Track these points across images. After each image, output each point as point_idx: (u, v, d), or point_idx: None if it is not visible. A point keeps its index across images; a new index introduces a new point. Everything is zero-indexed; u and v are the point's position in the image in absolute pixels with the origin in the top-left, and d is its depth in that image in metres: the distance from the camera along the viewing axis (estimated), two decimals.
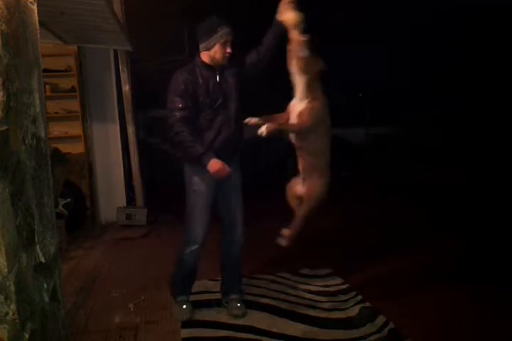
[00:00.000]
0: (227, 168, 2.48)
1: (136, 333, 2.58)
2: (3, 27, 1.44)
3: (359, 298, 2.91)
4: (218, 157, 2.48)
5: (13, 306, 1.36)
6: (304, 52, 2.43)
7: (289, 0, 2.44)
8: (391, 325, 2.52)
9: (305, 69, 2.45)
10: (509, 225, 4.25)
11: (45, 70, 4.32)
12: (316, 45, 2.47)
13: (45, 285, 1.71)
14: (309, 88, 2.49)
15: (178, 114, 2.47)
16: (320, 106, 2.53)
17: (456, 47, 8.01)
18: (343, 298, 2.96)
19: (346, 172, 7.87)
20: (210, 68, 2.58)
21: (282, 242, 2.72)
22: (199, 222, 2.65)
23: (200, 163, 2.48)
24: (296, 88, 2.53)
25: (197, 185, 2.63)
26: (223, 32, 2.50)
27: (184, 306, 2.78)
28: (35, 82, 1.80)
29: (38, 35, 1.91)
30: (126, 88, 5.14)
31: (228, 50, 2.54)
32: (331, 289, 3.11)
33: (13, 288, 1.36)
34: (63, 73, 5.04)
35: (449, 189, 6.24)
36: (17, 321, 1.38)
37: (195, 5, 6.28)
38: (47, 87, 4.80)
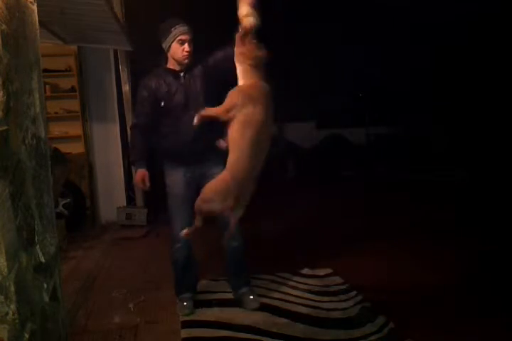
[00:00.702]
0: (147, 184, 2.67)
1: (136, 333, 2.58)
2: (3, 27, 1.44)
3: (359, 298, 2.91)
4: (191, 160, 2.65)
5: (13, 306, 1.36)
6: (246, 40, 2.26)
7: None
8: (391, 325, 2.51)
9: (244, 56, 2.27)
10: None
11: (45, 70, 4.33)
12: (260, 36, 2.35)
13: (45, 285, 1.71)
14: (245, 75, 2.25)
15: (135, 121, 2.70)
16: (246, 89, 2.22)
17: (459, 46, 8.00)
18: (343, 298, 2.96)
19: (347, 172, 7.88)
20: (174, 71, 2.63)
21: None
22: (178, 221, 2.73)
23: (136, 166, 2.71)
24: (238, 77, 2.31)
25: (169, 187, 2.76)
26: (177, 31, 2.52)
27: (185, 303, 2.81)
28: (35, 82, 1.80)
29: (38, 35, 1.91)
30: (126, 88, 5.14)
31: (186, 48, 2.54)
32: (331, 289, 3.11)
33: (13, 288, 1.36)
34: (63, 73, 5.05)
35: (451, 189, 6.24)
36: (17, 321, 1.38)
37: (195, 5, 6.28)
38: (47, 87, 4.80)
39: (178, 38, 2.53)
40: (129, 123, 5.21)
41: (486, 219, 4.63)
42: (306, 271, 3.44)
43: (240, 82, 2.29)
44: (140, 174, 2.67)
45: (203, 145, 2.64)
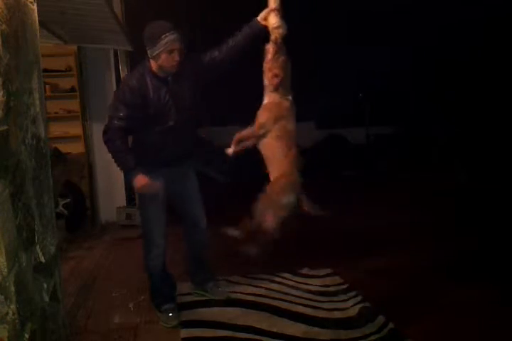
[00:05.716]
0: (155, 184, 2.43)
1: (136, 333, 2.58)
2: (3, 27, 1.44)
3: (359, 298, 2.91)
4: (167, 165, 2.57)
5: (13, 306, 1.36)
6: (277, 54, 2.40)
7: (273, 8, 2.40)
8: (391, 325, 2.51)
9: (272, 71, 2.40)
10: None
11: (45, 70, 4.32)
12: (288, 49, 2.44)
13: (45, 285, 1.72)
14: (273, 90, 2.44)
15: (116, 122, 2.49)
16: (272, 108, 2.45)
17: (459, 46, 7.99)
18: (343, 298, 2.96)
19: (347, 172, 7.87)
20: (161, 77, 2.47)
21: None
22: (156, 224, 2.66)
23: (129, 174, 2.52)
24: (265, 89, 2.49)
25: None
26: (168, 39, 2.34)
27: (170, 314, 2.69)
28: (35, 82, 1.80)
29: (38, 35, 1.91)
30: None
31: (176, 58, 2.39)
32: (331, 289, 3.11)
33: (13, 288, 1.36)
34: (63, 73, 5.04)
35: (451, 188, 6.23)
36: (17, 321, 1.38)
37: (195, 5, 6.28)
38: (47, 87, 4.79)
39: (169, 48, 2.35)
40: None
41: (486, 220, 4.62)
42: (306, 270, 3.44)
43: (266, 93, 2.49)
44: (143, 180, 2.41)
45: (184, 149, 2.64)
